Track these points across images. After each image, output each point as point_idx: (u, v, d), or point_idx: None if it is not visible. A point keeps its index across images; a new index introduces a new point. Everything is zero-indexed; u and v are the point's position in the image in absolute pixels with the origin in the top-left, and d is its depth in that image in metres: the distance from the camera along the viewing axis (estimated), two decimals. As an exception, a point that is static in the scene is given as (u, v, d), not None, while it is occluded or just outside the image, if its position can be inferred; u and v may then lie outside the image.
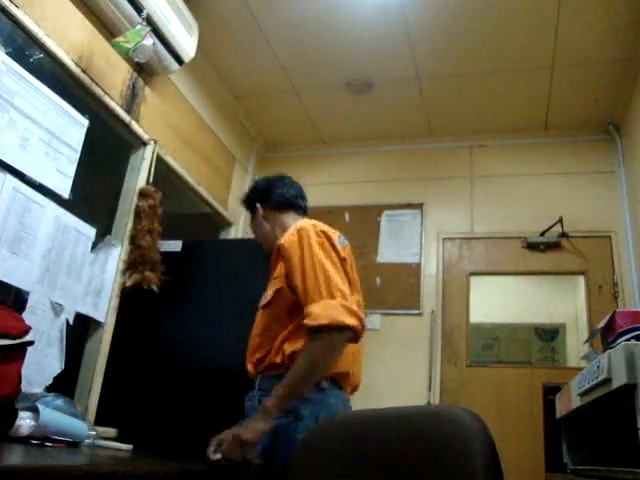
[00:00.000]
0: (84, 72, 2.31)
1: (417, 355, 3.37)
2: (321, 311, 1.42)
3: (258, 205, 1.86)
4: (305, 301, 1.47)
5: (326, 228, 1.63)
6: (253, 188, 1.94)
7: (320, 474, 1.01)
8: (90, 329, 2.43)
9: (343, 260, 1.57)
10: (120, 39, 2.30)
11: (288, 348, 1.50)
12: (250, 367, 1.64)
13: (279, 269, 1.60)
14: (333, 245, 1.57)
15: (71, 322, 2.20)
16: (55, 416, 1.56)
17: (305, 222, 1.64)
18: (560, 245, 3.41)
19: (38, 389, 1.97)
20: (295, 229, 1.61)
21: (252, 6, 2.87)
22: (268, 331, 1.59)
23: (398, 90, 3.45)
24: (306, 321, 1.43)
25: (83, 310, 2.29)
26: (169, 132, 2.96)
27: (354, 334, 1.43)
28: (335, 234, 1.63)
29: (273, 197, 1.85)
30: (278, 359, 1.52)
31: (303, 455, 1.08)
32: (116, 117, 2.54)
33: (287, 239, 1.59)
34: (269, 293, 1.62)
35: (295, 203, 1.85)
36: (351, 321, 1.41)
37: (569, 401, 1.91)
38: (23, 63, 2.00)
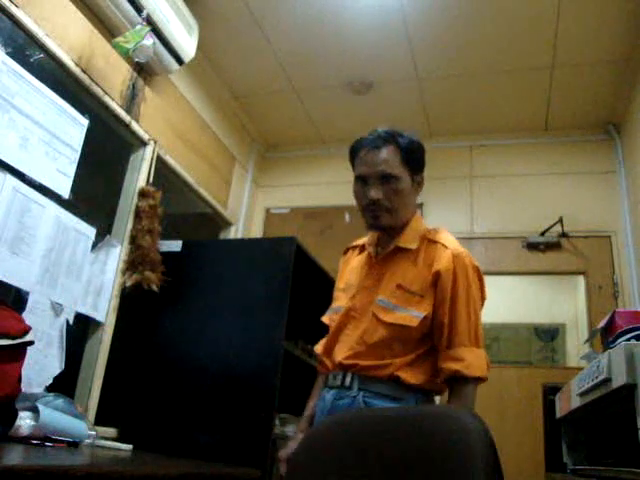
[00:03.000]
0: (84, 72, 2.31)
1: (417, 355, 3.37)
2: (474, 361, 1.39)
3: (424, 175, 1.58)
4: (451, 341, 1.41)
5: (476, 262, 1.50)
6: (421, 148, 1.58)
7: (320, 474, 1.01)
8: (90, 329, 2.42)
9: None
10: (120, 39, 2.30)
11: (408, 378, 1.42)
12: (333, 364, 1.49)
13: (425, 289, 1.45)
14: (483, 286, 1.49)
15: (71, 322, 2.20)
16: (55, 416, 1.56)
17: (458, 247, 1.48)
18: (560, 245, 3.41)
19: (38, 389, 1.97)
20: (451, 254, 1.45)
21: (252, 6, 2.87)
22: (384, 348, 1.45)
23: (398, 90, 3.45)
24: (458, 367, 1.38)
25: (83, 310, 2.29)
26: (169, 132, 2.96)
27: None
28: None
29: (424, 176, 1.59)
30: (385, 376, 1.43)
31: (303, 455, 1.08)
32: (116, 117, 2.54)
33: (445, 266, 1.43)
34: (412, 316, 1.44)
35: None
36: (487, 375, 1.41)
37: (569, 401, 1.91)
38: (23, 63, 2.00)
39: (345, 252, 1.73)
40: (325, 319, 1.65)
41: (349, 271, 1.63)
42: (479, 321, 1.44)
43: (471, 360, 1.39)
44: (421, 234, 1.53)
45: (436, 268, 1.44)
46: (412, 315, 1.44)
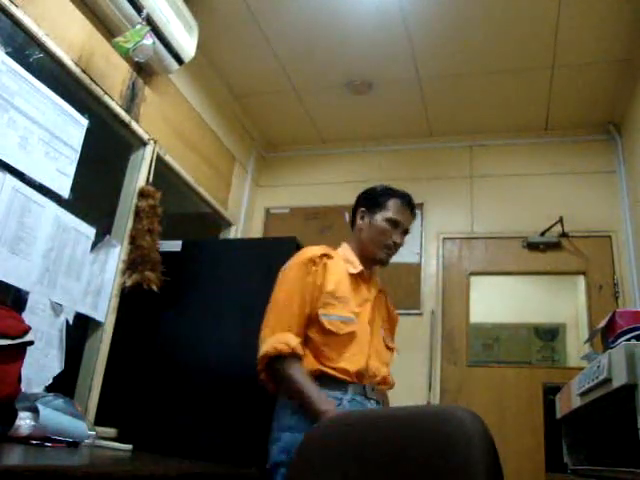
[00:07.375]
0: (84, 72, 2.31)
1: (417, 355, 3.37)
2: None
3: None
4: None
5: None
6: None
7: (320, 474, 1.01)
8: (90, 329, 2.42)
9: None
10: (120, 39, 2.30)
11: None
12: (383, 378, 1.80)
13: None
14: None
15: (71, 322, 2.20)
16: (55, 416, 1.56)
17: None
18: (560, 245, 3.41)
19: (38, 389, 1.97)
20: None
21: (252, 6, 2.87)
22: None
23: (398, 90, 3.45)
24: None
25: (83, 310, 2.29)
26: (169, 132, 2.96)
27: None
28: None
29: None
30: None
31: (303, 455, 1.08)
32: (116, 117, 2.54)
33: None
34: (394, 345, 1.91)
35: None
36: None
37: (569, 401, 1.91)
38: (23, 63, 2.00)
39: (322, 257, 1.75)
40: (329, 324, 1.67)
41: (337, 281, 1.73)
42: None
43: None
44: None
45: (396, 316, 1.99)
46: (394, 344, 1.91)
